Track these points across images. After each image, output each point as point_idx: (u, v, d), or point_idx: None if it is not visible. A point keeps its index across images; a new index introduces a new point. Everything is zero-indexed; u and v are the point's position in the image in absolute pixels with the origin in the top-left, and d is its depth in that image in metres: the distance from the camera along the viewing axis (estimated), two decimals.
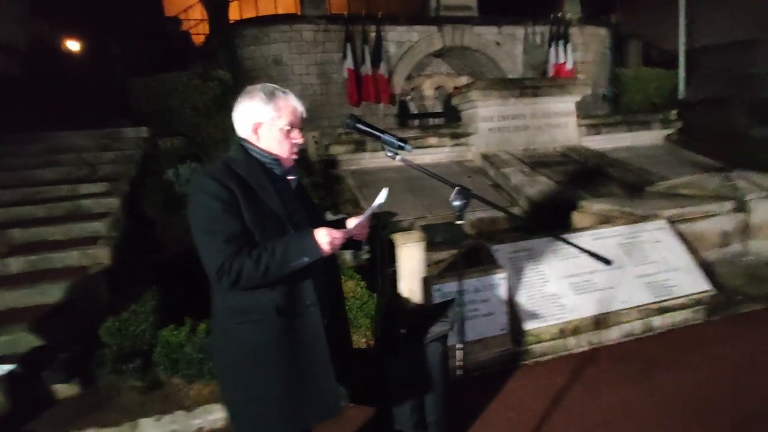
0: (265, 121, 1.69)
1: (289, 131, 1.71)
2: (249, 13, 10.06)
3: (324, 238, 1.59)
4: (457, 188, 1.73)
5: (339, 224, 1.76)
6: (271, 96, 1.69)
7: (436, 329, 2.39)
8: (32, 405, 3.02)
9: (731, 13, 11.86)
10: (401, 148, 1.73)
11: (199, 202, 1.62)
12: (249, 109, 1.70)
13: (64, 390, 3.10)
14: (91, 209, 5.14)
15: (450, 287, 3.27)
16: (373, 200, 1.65)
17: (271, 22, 9.13)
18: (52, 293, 3.81)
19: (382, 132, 1.73)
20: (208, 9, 10.44)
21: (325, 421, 1.75)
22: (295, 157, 1.79)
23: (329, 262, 1.84)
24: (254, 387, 1.67)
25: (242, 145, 1.73)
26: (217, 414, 2.89)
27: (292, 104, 1.72)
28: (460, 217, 1.78)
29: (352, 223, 1.76)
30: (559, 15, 9.95)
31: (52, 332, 3.42)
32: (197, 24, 11.49)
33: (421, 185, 7.34)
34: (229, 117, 1.76)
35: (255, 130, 1.70)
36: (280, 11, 10.19)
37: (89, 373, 3.13)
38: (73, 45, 11.05)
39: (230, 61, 9.21)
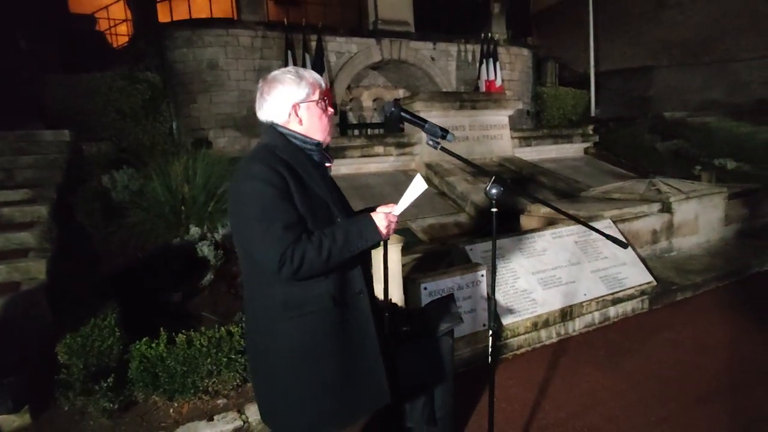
0: (302, 100, 1.65)
1: (325, 104, 1.70)
2: (181, 15, 9.55)
3: (382, 222, 1.59)
4: (493, 177, 1.78)
5: None
6: (297, 74, 1.67)
7: (447, 323, 2.42)
8: None
9: (629, 43, 13.41)
10: (443, 137, 1.75)
11: (250, 190, 1.52)
12: (284, 93, 1.65)
13: (11, 421, 2.68)
14: (14, 218, 4.53)
15: (436, 285, 3.31)
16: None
17: (206, 25, 8.76)
18: None
19: (425, 121, 1.75)
20: (133, 8, 9.75)
21: (379, 408, 1.70)
22: (329, 140, 1.75)
23: None
24: (309, 383, 1.59)
25: (280, 132, 1.65)
26: None
27: (314, 77, 1.70)
28: (495, 206, 1.83)
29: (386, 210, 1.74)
30: (489, 35, 10.58)
31: None
32: (118, 23, 10.67)
33: (370, 193, 7.36)
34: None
35: (295, 112, 1.65)
36: (216, 15, 9.79)
37: (42, 399, 2.74)
38: None
39: (160, 64, 8.69)
